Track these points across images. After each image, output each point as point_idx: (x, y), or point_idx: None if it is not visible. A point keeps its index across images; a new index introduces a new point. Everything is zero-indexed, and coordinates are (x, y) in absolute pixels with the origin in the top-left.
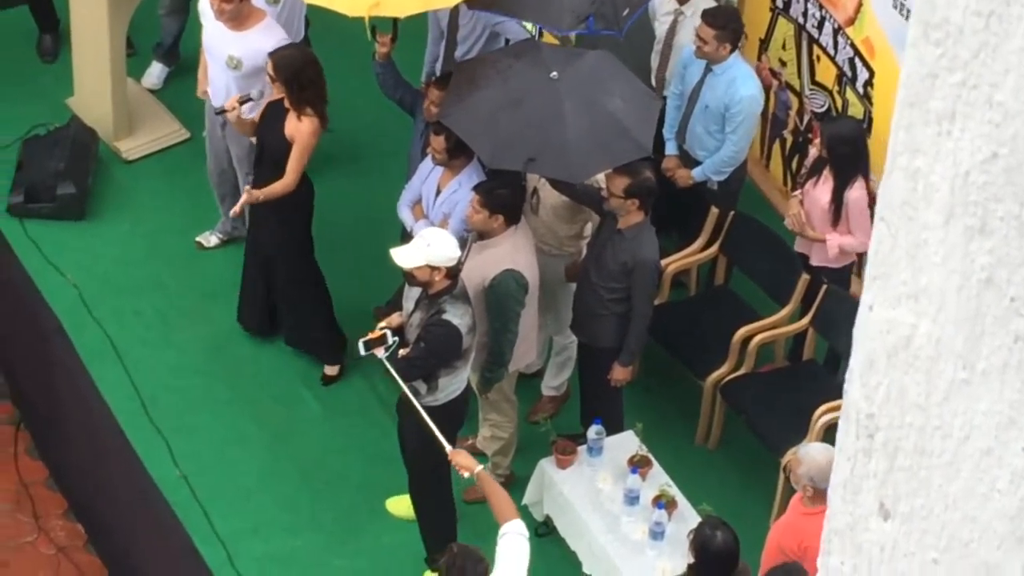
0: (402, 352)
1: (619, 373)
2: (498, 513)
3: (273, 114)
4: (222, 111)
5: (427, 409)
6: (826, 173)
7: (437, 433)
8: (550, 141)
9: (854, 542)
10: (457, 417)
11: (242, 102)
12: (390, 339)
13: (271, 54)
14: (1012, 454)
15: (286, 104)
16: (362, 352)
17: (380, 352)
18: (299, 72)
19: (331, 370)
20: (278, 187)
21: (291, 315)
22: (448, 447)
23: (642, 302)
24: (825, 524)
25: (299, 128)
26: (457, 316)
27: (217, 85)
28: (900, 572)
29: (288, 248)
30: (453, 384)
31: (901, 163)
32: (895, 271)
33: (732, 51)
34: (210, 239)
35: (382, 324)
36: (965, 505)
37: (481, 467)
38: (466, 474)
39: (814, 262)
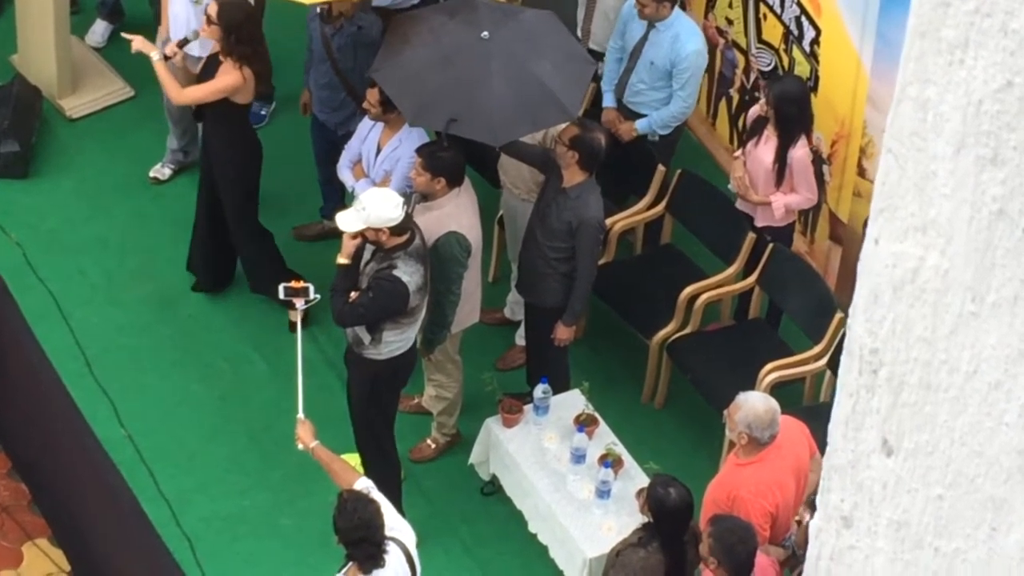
0: (353, 295)
1: (562, 332)
2: (343, 481)
3: (209, 66)
4: (166, 59)
5: (370, 362)
6: (767, 133)
7: None
8: (474, 102)
9: (855, 479)
10: (401, 373)
11: (181, 45)
12: (311, 294)
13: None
14: (1022, 387)
15: (220, 56)
16: (281, 296)
17: (299, 303)
18: (239, 25)
19: (294, 315)
20: (171, 87)
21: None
22: (300, 414)
23: (586, 262)
24: (824, 462)
25: (225, 71)
26: (407, 273)
27: (178, 20)
28: (903, 509)
29: (235, 188)
30: (398, 340)
31: (911, 93)
32: (902, 203)
33: (673, 7)
34: (163, 171)
35: None
36: (972, 440)
37: (317, 443)
38: (300, 446)
39: (758, 223)
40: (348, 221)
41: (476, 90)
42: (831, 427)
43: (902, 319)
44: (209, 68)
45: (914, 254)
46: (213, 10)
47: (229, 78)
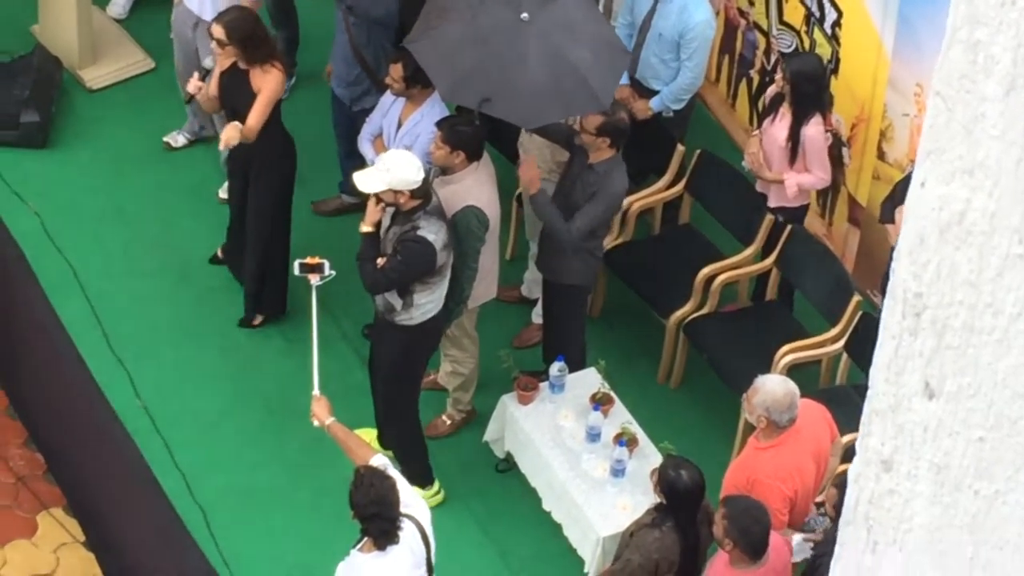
0: (380, 262)
1: (526, 169)
2: (358, 458)
3: (233, 81)
4: (191, 98)
5: (402, 329)
6: (783, 111)
7: None
8: (508, 83)
9: (895, 423)
10: (432, 338)
11: (202, 78)
12: (327, 270)
13: (218, 20)
14: None
15: (242, 66)
16: (296, 272)
17: (314, 279)
18: (251, 33)
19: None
20: (236, 133)
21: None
22: (315, 391)
23: (586, 210)
24: (865, 406)
25: (265, 79)
26: (432, 232)
27: None
28: (944, 451)
29: (265, 196)
30: (429, 301)
31: (961, 36)
32: (950, 146)
33: None
34: (178, 139)
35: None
36: (1015, 382)
37: (332, 420)
38: (315, 423)
39: (772, 203)
40: (370, 181)
41: (511, 71)
42: (872, 371)
43: (947, 262)
44: (235, 83)
45: (961, 196)
46: (220, 32)
47: (270, 83)
